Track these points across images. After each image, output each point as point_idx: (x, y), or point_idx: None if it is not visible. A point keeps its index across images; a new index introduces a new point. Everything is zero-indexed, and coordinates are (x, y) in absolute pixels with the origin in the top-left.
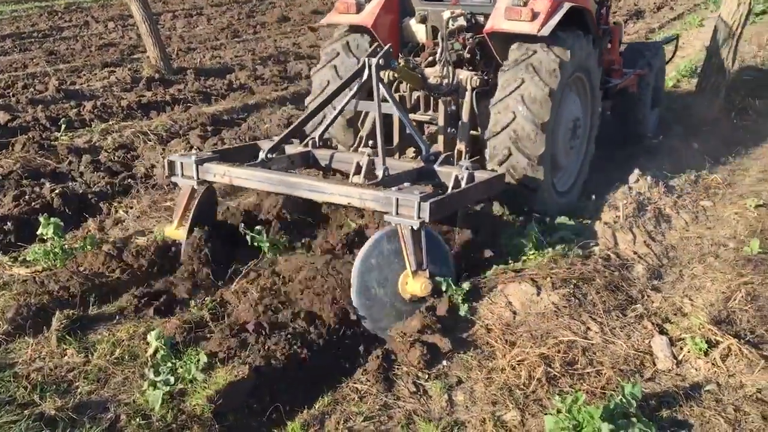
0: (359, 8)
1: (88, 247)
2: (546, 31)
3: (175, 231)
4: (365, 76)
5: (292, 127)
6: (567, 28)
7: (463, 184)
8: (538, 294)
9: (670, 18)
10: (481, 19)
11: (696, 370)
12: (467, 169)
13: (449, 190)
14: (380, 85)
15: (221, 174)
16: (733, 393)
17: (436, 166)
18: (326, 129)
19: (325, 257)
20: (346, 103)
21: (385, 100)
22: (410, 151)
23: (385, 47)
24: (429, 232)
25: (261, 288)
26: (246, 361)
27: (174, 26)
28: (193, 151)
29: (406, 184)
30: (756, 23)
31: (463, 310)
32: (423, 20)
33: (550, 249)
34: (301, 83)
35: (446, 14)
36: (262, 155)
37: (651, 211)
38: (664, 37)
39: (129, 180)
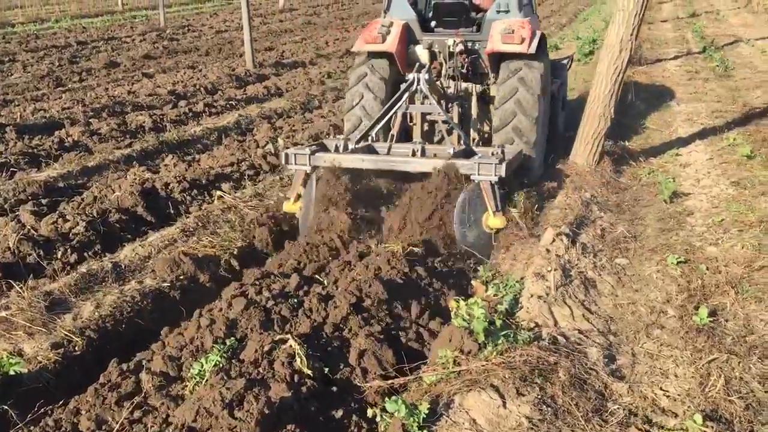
0: (384, 39)
1: None
2: (532, 49)
3: (292, 206)
4: (414, 87)
5: (368, 128)
6: (537, 48)
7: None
8: (504, 405)
9: None
10: (469, 44)
11: None
12: (499, 146)
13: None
14: (427, 91)
15: (331, 160)
16: None
17: (474, 147)
18: (378, 128)
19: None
20: (397, 108)
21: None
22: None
23: (426, 66)
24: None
25: None
26: None
27: None
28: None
29: (479, 154)
30: (587, 64)
31: None
32: (429, 47)
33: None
34: (147, 138)
35: (449, 41)
36: (351, 146)
37: (576, 276)
38: (563, 57)
39: None
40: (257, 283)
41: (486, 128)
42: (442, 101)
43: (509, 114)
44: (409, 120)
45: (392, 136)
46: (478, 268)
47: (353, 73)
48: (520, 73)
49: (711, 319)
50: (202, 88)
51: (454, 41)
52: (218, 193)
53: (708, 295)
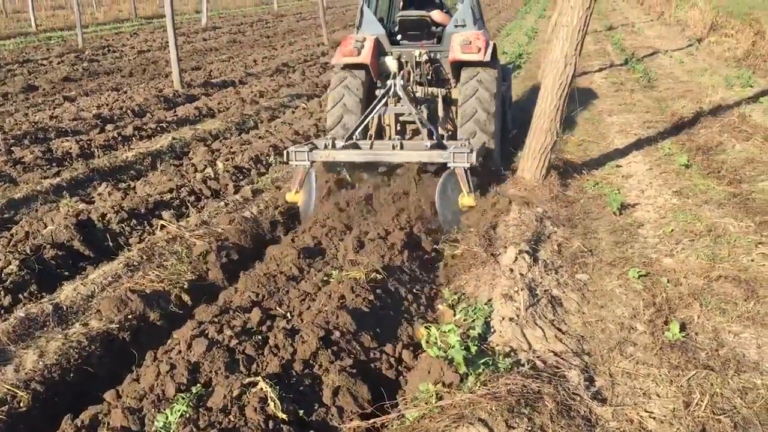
0: (359, 52)
1: None
2: (488, 57)
3: (294, 196)
4: (392, 92)
5: (354, 129)
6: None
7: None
8: None
9: None
10: (432, 54)
11: None
12: (466, 140)
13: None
14: (403, 94)
15: (326, 155)
16: None
17: (444, 142)
18: (360, 129)
19: None
20: (376, 111)
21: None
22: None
23: (400, 73)
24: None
25: None
26: None
27: None
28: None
29: (453, 146)
30: (516, 77)
31: None
32: (398, 57)
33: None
34: (76, 166)
35: (416, 52)
36: (341, 143)
37: (542, 295)
38: (508, 62)
39: None
40: (216, 320)
41: (449, 126)
42: (412, 104)
43: (471, 110)
44: (383, 122)
45: (370, 135)
46: (443, 291)
47: (331, 94)
48: (478, 76)
49: (683, 334)
50: (129, 111)
51: (420, 52)
52: (161, 222)
53: (674, 309)
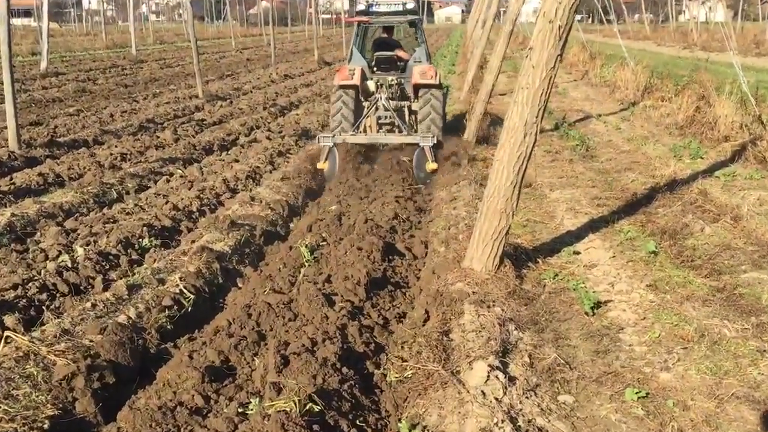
0: (352, 77)
1: None
2: (437, 81)
3: (323, 164)
4: (379, 103)
5: (355, 126)
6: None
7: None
8: None
9: None
10: (399, 80)
11: None
12: (429, 131)
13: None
14: (386, 105)
15: (343, 139)
16: None
17: (413, 133)
18: (358, 126)
19: None
20: (368, 115)
21: (386, 109)
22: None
23: (381, 89)
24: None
25: None
26: None
27: None
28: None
29: (421, 133)
30: None
31: None
32: (376, 81)
33: None
34: None
35: (389, 78)
36: (351, 132)
37: (525, 426)
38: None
39: None
40: None
41: (412, 128)
42: (389, 111)
43: (427, 113)
44: (366, 123)
45: (360, 131)
46: (396, 423)
47: (334, 105)
48: (431, 91)
49: None
50: None
51: (391, 78)
52: (5, 333)
53: None
